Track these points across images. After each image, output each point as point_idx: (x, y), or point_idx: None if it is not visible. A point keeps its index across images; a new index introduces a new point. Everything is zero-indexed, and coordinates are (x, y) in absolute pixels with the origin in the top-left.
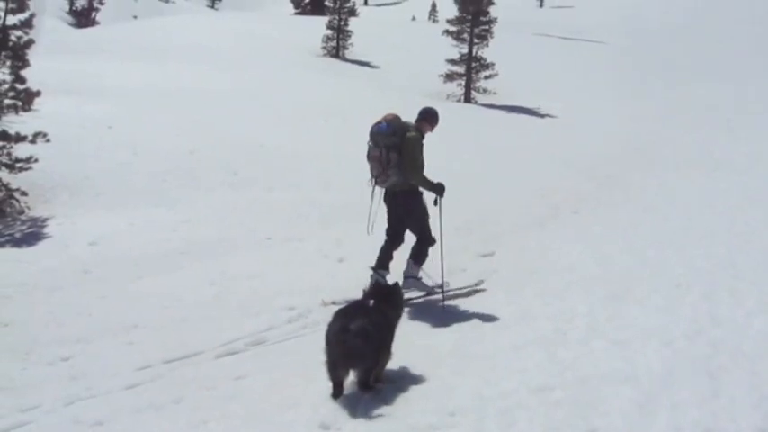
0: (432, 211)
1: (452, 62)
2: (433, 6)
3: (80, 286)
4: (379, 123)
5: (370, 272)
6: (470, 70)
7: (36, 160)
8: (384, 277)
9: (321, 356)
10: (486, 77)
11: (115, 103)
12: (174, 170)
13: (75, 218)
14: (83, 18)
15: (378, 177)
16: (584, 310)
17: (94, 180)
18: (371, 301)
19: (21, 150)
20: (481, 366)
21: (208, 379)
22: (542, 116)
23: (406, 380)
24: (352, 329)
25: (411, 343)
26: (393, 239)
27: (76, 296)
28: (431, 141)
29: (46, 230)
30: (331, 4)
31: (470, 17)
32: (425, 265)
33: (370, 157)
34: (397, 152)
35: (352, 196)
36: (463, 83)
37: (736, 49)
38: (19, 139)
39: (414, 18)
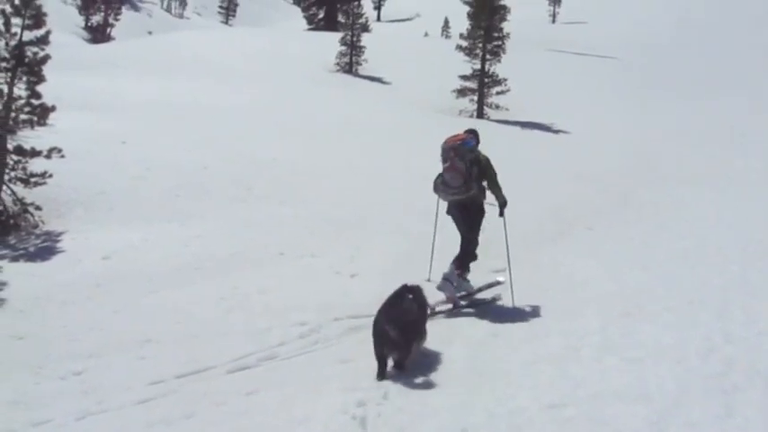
0: (498, 221)
1: (465, 78)
2: (446, 22)
3: (93, 300)
4: (460, 140)
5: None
6: (483, 86)
7: (50, 175)
8: (468, 281)
9: (333, 370)
10: (498, 93)
11: (129, 118)
12: (186, 185)
13: (88, 232)
14: (98, 34)
15: (457, 189)
16: (597, 327)
17: (108, 195)
18: (410, 296)
19: (35, 165)
20: (493, 383)
21: (219, 394)
22: (555, 132)
23: (417, 396)
24: (392, 326)
25: (423, 359)
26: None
27: (89, 310)
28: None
29: (59, 245)
30: (344, 20)
31: (483, 33)
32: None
33: (452, 168)
34: (477, 166)
35: (364, 212)
36: (476, 98)
37: (749, 62)
38: (34, 153)
39: (426, 34)
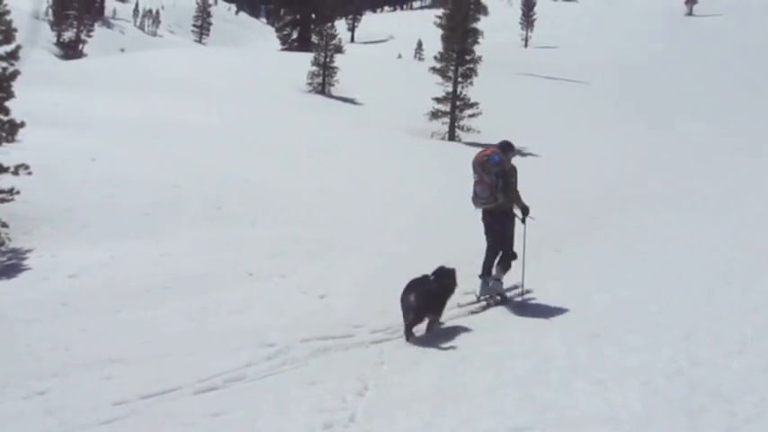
0: (518, 227)
1: (437, 100)
2: (419, 44)
3: (59, 319)
4: (488, 155)
5: (477, 278)
6: (455, 108)
7: (18, 192)
8: (488, 282)
9: (300, 392)
10: (470, 116)
11: (100, 135)
12: (156, 204)
13: (56, 250)
14: (70, 50)
15: (486, 200)
16: (564, 349)
17: (77, 212)
18: (432, 277)
19: (3, 181)
20: (459, 405)
21: (185, 415)
22: (525, 155)
23: (384, 419)
24: (412, 297)
25: (390, 382)
26: (493, 251)
27: (55, 329)
28: (414, 176)
29: (26, 262)
30: (317, 41)
31: (455, 56)
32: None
33: (481, 181)
34: (503, 179)
35: (334, 232)
36: (448, 121)
37: (717, 89)
38: (1, 170)
39: (400, 56)
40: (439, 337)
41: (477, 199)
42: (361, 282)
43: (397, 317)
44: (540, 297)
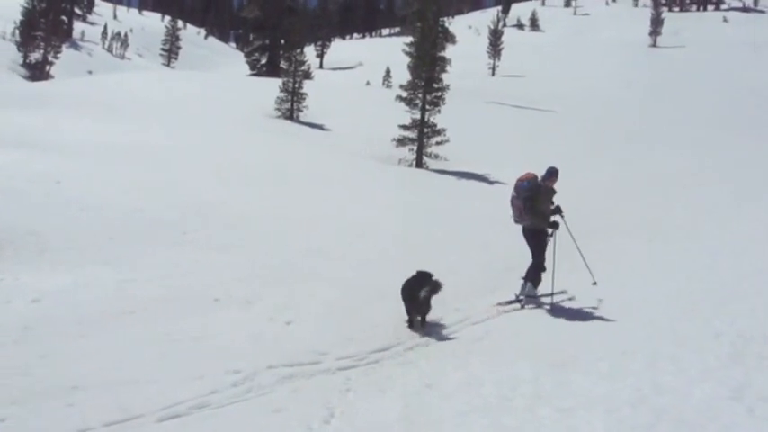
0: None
1: (405, 127)
2: (388, 72)
3: (20, 344)
4: (522, 181)
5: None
6: (422, 136)
7: None
8: (525, 286)
9: (266, 419)
10: (437, 143)
11: (65, 158)
12: (121, 228)
13: (18, 273)
14: (37, 71)
15: (518, 218)
16: (530, 376)
17: (41, 236)
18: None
19: None
20: None
21: None
22: (491, 182)
23: None
24: (421, 293)
25: (356, 409)
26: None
27: (15, 354)
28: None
29: None
30: (286, 67)
31: (423, 83)
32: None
33: (513, 204)
34: (530, 202)
35: (300, 259)
36: (415, 148)
37: (685, 117)
38: None
39: (368, 83)
40: (405, 363)
41: (513, 217)
42: (326, 308)
43: (363, 344)
44: (507, 325)
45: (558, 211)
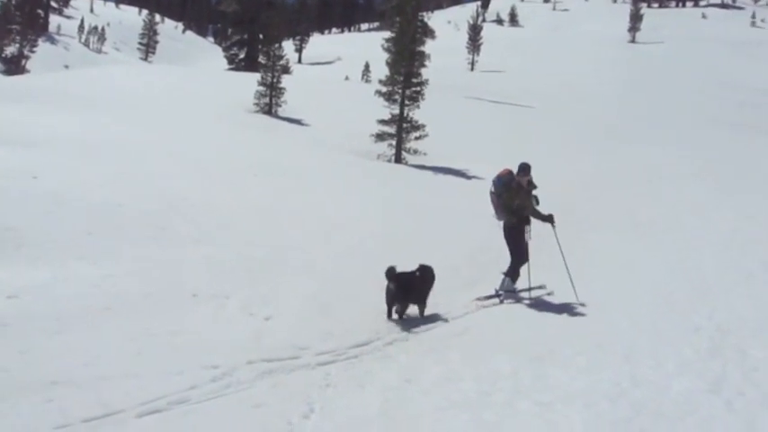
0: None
1: (383, 122)
2: (367, 66)
3: None
4: (498, 177)
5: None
6: (401, 131)
7: None
8: (504, 281)
9: (246, 415)
10: (416, 138)
11: (42, 152)
12: (99, 223)
13: None
14: (12, 65)
15: (495, 215)
16: (509, 371)
17: (17, 231)
18: (417, 273)
19: None
20: (407, 428)
21: None
22: (469, 177)
23: None
24: (397, 286)
25: (336, 405)
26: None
27: None
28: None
29: None
30: (265, 61)
31: (402, 78)
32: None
33: (491, 200)
34: (501, 199)
35: (279, 253)
36: (394, 143)
37: (664, 112)
38: None
39: (347, 78)
40: (385, 358)
41: (493, 215)
42: (306, 303)
43: (342, 338)
44: (486, 320)
45: (550, 219)
